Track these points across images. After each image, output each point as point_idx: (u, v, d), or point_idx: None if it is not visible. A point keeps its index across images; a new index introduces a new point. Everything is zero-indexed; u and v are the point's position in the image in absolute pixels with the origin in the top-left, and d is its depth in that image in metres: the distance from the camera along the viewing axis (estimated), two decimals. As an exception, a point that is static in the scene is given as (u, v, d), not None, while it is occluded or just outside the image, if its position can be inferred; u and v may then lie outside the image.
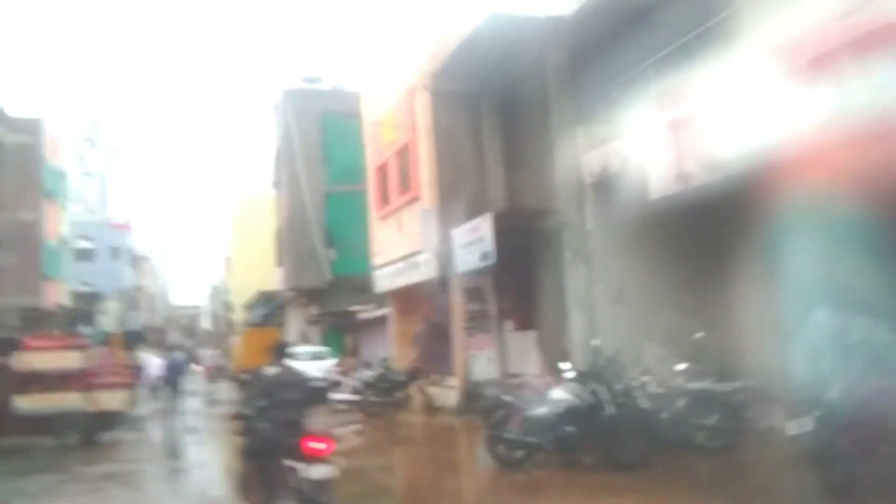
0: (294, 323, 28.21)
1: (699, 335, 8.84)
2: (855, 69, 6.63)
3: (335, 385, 16.26)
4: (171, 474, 10.10)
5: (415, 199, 16.03)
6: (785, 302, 9.53)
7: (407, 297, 17.94)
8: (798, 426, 5.89)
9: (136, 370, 18.49)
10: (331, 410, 15.42)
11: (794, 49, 7.34)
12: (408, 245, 16.27)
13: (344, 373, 17.03)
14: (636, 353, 8.90)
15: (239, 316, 40.31)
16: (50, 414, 11.82)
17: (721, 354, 8.70)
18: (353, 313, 23.62)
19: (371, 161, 19.24)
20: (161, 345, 38.98)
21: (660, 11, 9.84)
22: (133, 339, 31.28)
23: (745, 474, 7.37)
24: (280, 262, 29.35)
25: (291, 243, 26.65)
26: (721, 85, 8.44)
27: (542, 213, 11.90)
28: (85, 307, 30.03)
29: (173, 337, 53.62)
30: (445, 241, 14.17)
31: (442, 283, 15.01)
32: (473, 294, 14.32)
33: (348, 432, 13.38)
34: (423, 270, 15.41)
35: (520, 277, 13.99)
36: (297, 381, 5.83)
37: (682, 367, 8.37)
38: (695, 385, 8.17)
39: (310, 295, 26.66)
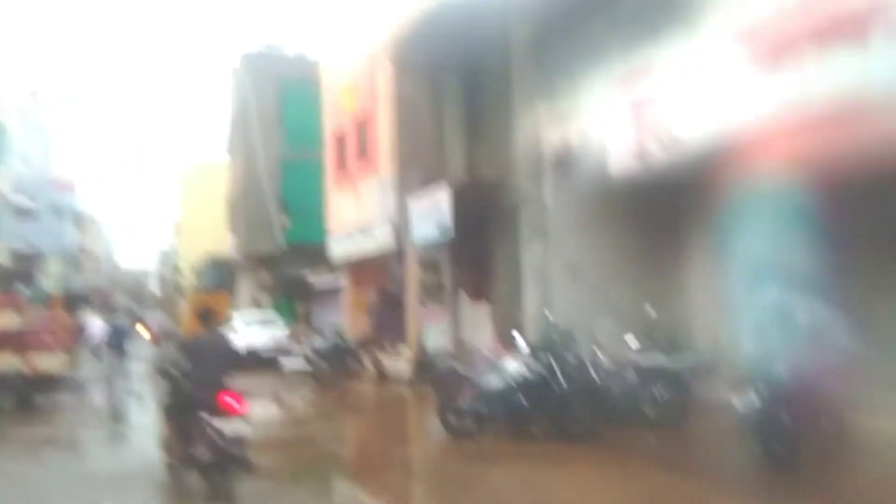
0: (245, 289, 27.73)
1: (651, 311, 8.97)
2: (814, 56, 6.72)
3: (286, 352, 16.09)
4: (111, 439, 9.85)
5: (373, 169, 15.80)
6: (734, 280, 9.75)
7: (362, 267, 17.78)
8: (743, 400, 6.05)
9: (78, 332, 17.91)
10: (280, 378, 15.30)
11: (755, 34, 7.40)
12: (364, 214, 16.07)
13: (295, 340, 16.85)
14: (589, 328, 8.99)
15: (188, 280, 39.45)
16: (-17, 375, 11.36)
17: (672, 330, 8.86)
18: (306, 281, 23.34)
19: (329, 129, 18.86)
20: (106, 308, 37.91)
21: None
22: (75, 300, 30.32)
23: (690, 447, 7.58)
24: (233, 227, 28.74)
25: (245, 209, 26.09)
26: (683, 66, 8.48)
27: (500, 186, 11.86)
28: (24, 267, 28.91)
29: (120, 300, 52.21)
30: (402, 211, 14.03)
31: (397, 254, 14.90)
32: (429, 265, 14.27)
33: (298, 400, 13.27)
34: (379, 240, 15.26)
35: (476, 250, 13.98)
36: (219, 345, 6.28)
37: (633, 341, 8.49)
38: (645, 359, 8.31)
39: (262, 261, 26.22)
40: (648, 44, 9.20)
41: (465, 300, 14.29)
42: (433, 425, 8.66)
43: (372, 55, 15.54)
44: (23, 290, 21.72)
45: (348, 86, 17.21)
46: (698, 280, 10.89)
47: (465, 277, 14.44)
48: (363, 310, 17.03)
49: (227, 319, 20.31)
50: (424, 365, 13.05)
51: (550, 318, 9.10)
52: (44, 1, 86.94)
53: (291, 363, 15.51)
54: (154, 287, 64.81)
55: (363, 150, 16.42)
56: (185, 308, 28.66)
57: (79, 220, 45.74)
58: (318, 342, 15.51)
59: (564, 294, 10.37)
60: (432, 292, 14.24)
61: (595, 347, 8.55)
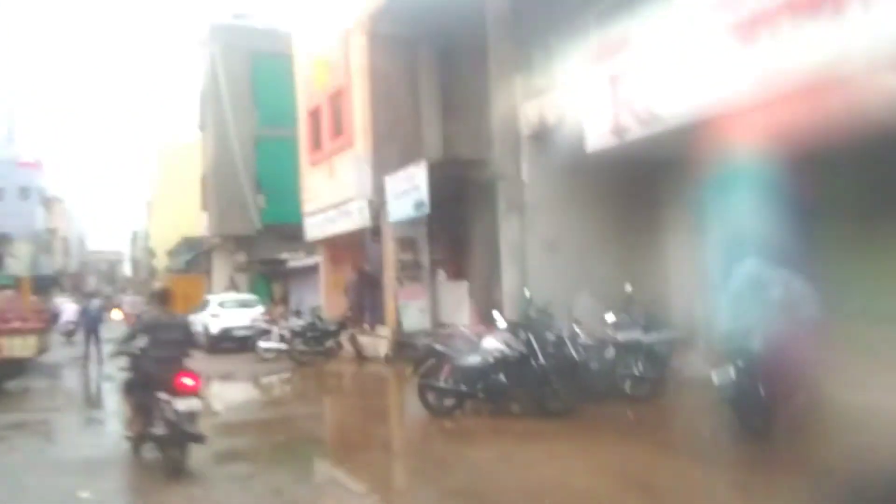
0: (221, 270, 27.38)
1: (629, 286, 9.00)
2: (791, 27, 6.68)
3: (263, 333, 15.93)
4: (84, 423, 9.68)
5: (348, 146, 15.58)
6: (711, 255, 9.81)
7: (338, 246, 17.63)
8: (721, 375, 6.09)
9: (48, 316, 17.59)
10: (258, 359, 15.17)
11: (733, 5, 7.34)
12: (340, 192, 15.88)
13: (272, 321, 16.68)
14: (567, 304, 9.00)
15: (162, 262, 38.89)
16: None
17: (650, 305, 8.90)
18: (282, 261, 23.11)
19: (303, 105, 18.53)
20: (78, 290, 37.25)
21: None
22: (45, 283, 29.74)
23: (668, 421, 7.65)
24: (206, 207, 28.28)
25: (218, 188, 25.66)
26: (660, 39, 8.40)
27: (477, 162, 11.76)
28: (-9, 250, 28.24)
29: (91, 283, 51.40)
30: (379, 189, 13.88)
31: (374, 232, 14.77)
32: (406, 243, 14.17)
33: (276, 381, 13.18)
34: (356, 218, 15.11)
35: (454, 227, 13.92)
36: (176, 324, 6.63)
37: (611, 317, 8.51)
38: (623, 335, 8.34)
39: (238, 242, 25.89)
40: (625, 16, 9.10)
41: (443, 278, 14.25)
42: (412, 404, 8.63)
43: (346, 28, 15.23)
44: (-10, 274, 21.23)
45: (322, 60, 16.88)
46: (676, 255, 10.95)
47: (442, 255, 14.39)
48: (340, 289, 16.91)
49: (203, 301, 20.07)
50: (403, 344, 13.01)
51: (529, 294, 9.08)
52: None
53: (269, 344, 15.36)
54: (127, 269, 63.92)
55: (338, 127, 16.17)
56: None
57: (47, 202, 44.76)
58: (296, 323, 15.39)
59: (542, 270, 10.35)
60: (410, 270, 14.15)
61: (573, 323, 8.56)
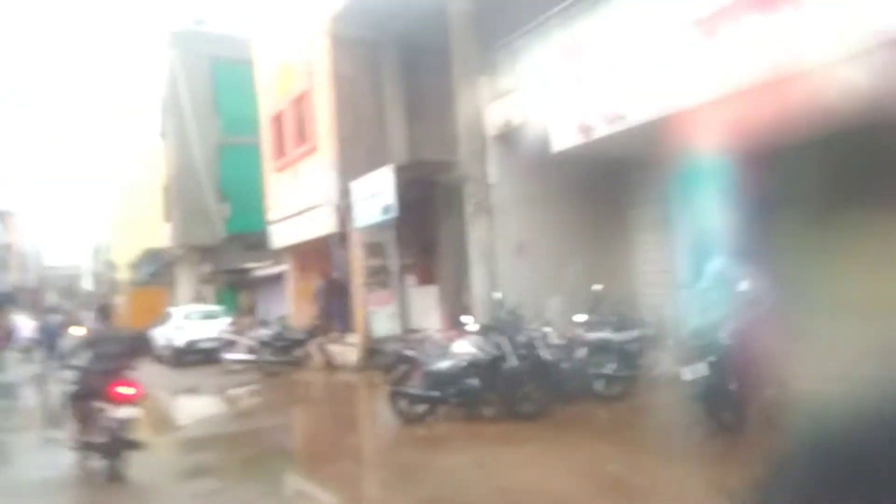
0: (185, 282, 26.83)
1: (598, 286, 8.98)
2: (751, 23, 6.72)
3: (230, 344, 15.61)
4: (41, 443, 9.31)
5: (313, 151, 15.36)
6: (679, 253, 9.87)
7: (305, 253, 17.37)
8: (691, 372, 6.08)
9: (5, 333, 17.01)
10: (225, 371, 14.83)
11: (694, 1, 7.37)
12: (305, 198, 15.64)
13: (239, 332, 16.35)
14: (537, 305, 8.94)
15: (124, 275, 37.97)
16: None
17: (620, 304, 8.89)
18: (248, 270, 22.73)
19: (265, 111, 18.24)
20: (36, 307, 36.18)
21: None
22: (2, 300, 28.79)
23: (641, 420, 7.62)
24: (168, 217, 27.71)
25: (181, 198, 25.14)
26: (623, 37, 8.42)
27: (444, 165, 11.67)
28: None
29: (50, 298, 50.03)
30: (345, 194, 13.70)
31: (341, 238, 14.57)
32: (374, 249, 14.00)
33: (244, 393, 12.89)
34: (322, 225, 14.89)
35: (421, 231, 13.80)
36: (118, 337, 6.99)
37: (581, 317, 8.48)
38: (594, 335, 8.31)
39: (202, 252, 25.39)
40: (588, 15, 9.11)
41: (412, 283, 14.11)
42: (383, 412, 8.48)
43: (308, 32, 15.03)
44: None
45: (284, 65, 16.64)
46: (645, 253, 10.99)
47: (411, 259, 14.26)
48: (308, 297, 16.65)
49: (165, 315, 19.63)
50: (373, 351, 12.84)
51: (498, 297, 9.01)
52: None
53: (236, 356, 15.04)
54: (87, 284, 62.34)
55: (302, 132, 15.94)
56: (121, 304, 27.58)
57: (1, 217, 43.45)
58: (263, 332, 15.09)
59: (512, 272, 10.28)
60: (378, 276, 13.99)
61: (544, 325, 8.51)
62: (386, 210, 12.17)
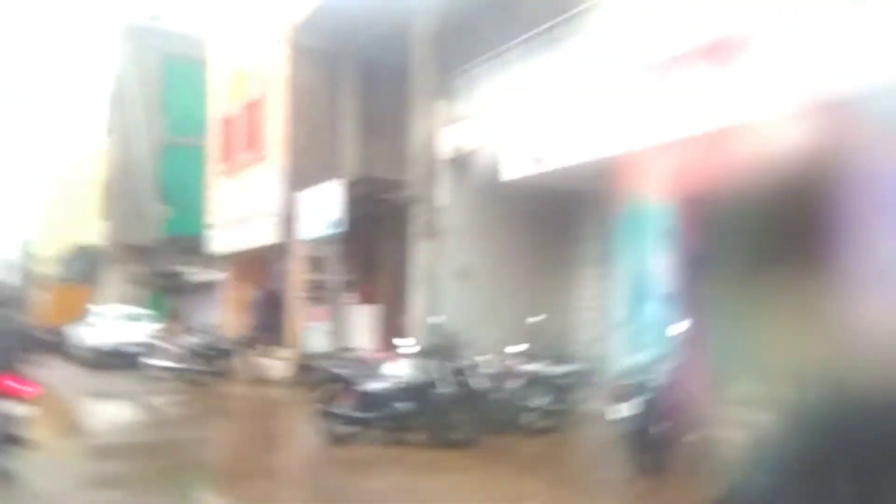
0: (115, 281, 25.77)
1: (537, 318, 9.00)
2: (703, 76, 6.94)
3: (154, 350, 14.98)
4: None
5: (261, 158, 15.07)
6: (617, 292, 10.00)
7: (244, 262, 16.93)
8: (619, 411, 6.11)
9: None
10: (147, 377, 14.21)
11: (648, 45, 7.58)
12: (249, 206, 15.29)
13: (166, 337, 15.73)
14: (475, 333, 8.89)
15: (50, 270, 36.28)
16: None
17: (556, 338, 8.93)
18: (181, 275, 22.02)
19: (215, 113, 17.84)
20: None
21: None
22: None
23: (567, 456, 7.61)
24: (106, 214, 26.68)
25: (121, 195, 24.28)
26: (578, 74, 8.58)
27: (394, 184, 11.59)
28: None
29: (-33, 288, 47.26)
30: (291, 204, 13.45)
31: (283, 249, 14.27)
32: (315, 263, 13.75)
33: (164, 401, 12.36)
34: (264, 234, 14.57)
35: (365, 249, 13.64)
36: (5, 331, 6.71)
37: (517, 348, 8.47)
38: (528, 367, 8.30)
39: (136, 253, 24.46)
40: (547, 47, 9.27)
41: (351, 300, 13.89)
42: (310, 430, 8.23)
43: (267, 37, 14.83)
44: None
45: (239, 68, 16.35)
46: (585, 289, 11.11)
47: (352, 277, 14.05)
48: (243, 307, 16.19)
49: (86, 313, 18.77)
50: (305, 367, 12.51)
51: (437, 321, 8.93)
52: None
53: (160, 362, 14.42)
54: (8, 276, 59.23)
55: (252, 138, 15.63)
56: (44, 298, 26.26)
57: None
58: (191, 340, 14.54)
59: (452, 297, 10.24)
60: (318, 291, 13.72)
61: (479, 353, 8.46)
62: (332, 224, 11.99)
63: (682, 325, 5.14)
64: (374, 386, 7.77)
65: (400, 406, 7.64)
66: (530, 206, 10.22)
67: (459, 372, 7.78)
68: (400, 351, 8.34)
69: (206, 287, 19.88)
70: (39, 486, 6.21)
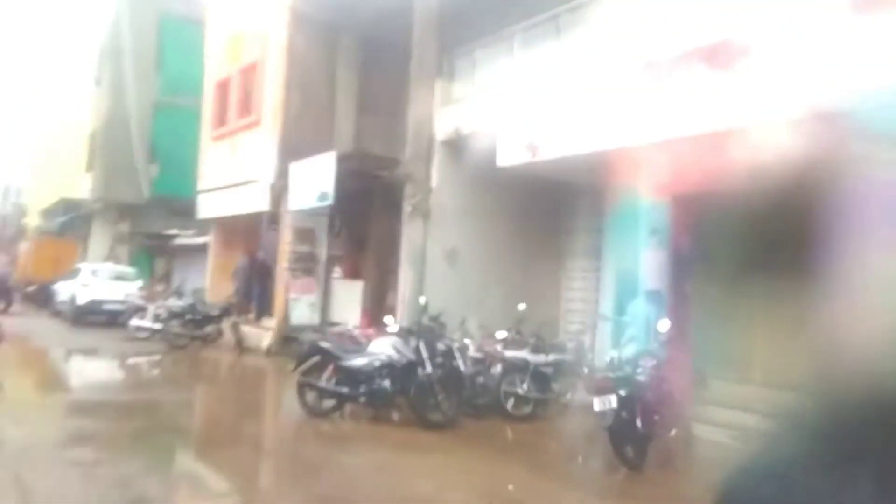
0: (100, 238, 25.49)
1: (522, 305, 9.02)
2: (702, 78, 6.89)
3: (138, 310, 14.88)
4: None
5: (255, 124, 14.89)
6: (605, 285, 10.05)
7: (232, 228, 16.81)
8: (601, 403, 6.15)
9: None
10: (129, 337, 14.15)
11: (651, 46, 7.51)
12: (241, 172, 15.14)
13: (149, 298, 15.64)
14: (461, 315, 8.91)
15: (35, 222, 35.82)
16: None
17: (541, 326, 8.96)
18: (169, 237, 21.84)
19: (211, 75, 17.56)
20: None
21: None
22: None
23: (546, 444, 7.66)
24: (90, 167, 26.30)
25: (107, 149, 23.90)
26: (579, 65, 8.51)
27: (388, 161, 11.51)
28: None
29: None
30: (283, 174, 13.33)
31: (272, 218, 14.18)
32: (304, 234, 13.67)
33: (145, 362, 12.32)
34: (254, 201, 14.45)
35: (355, 225, 13.59)
36: None
37: (502, 334, 8.49)
38: (511, 354, 8.32)
39: (122, 210, 24.19)
40: (550, 36, 9.18)
41: (338, 274, 13.85)
42: (290, 402, 8.23)
43: (268, 2, 14.57)
44: None
45: (238, 31, 16.08)
46: (573, 280, 11.15)
47: (340, 251, 14.00)
48: (228, 273, 16.09)
49: (74, 269, 18.59)
50: (288, 338, 12.51)
51: (424, 301, 8.93)
52: None
53: (142, 322, 14.34)
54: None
55: (247, 104, 15.42)
56: (27, 251, 25.95)
57: None
58: (175, 303, 14.46)
59: (440, 279, 10.23)
60: (305, 263, 13.66)
61: (464, 336, 8.48)
62: (322, 197, 11.90)
63: (668, 322, 5.20)
64: (356, 362, 7.76)
65: (382, 383, 7.65)
66: (523, 194, 10.20)
67: (443, 353, 7.79)
68: (385, 328, 8.33)
69: (194, 251, 19.74)
70: (14, 439, 6.18)
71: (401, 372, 7.66)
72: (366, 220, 13.24)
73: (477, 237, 10.68)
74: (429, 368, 7.57)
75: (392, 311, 9.74)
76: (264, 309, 14.53)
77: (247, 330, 14.07)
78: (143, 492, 5.18)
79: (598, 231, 10.38)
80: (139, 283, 17.81)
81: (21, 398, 9.00)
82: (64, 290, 18.02)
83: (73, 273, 18.18)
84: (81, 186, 27.47)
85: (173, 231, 21.65)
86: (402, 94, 11.41)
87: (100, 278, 17.58)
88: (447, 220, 10.53)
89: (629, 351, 6.90)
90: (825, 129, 5.61)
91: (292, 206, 13.09)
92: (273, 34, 14.28)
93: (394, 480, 5.85)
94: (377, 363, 7.71)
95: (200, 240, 19.05)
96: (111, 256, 23.11)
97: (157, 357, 12.69)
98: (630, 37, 7.76)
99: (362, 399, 7.72)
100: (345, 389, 7.71)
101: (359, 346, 8.23)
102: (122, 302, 16.18)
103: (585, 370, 8.51)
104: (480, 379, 8.12)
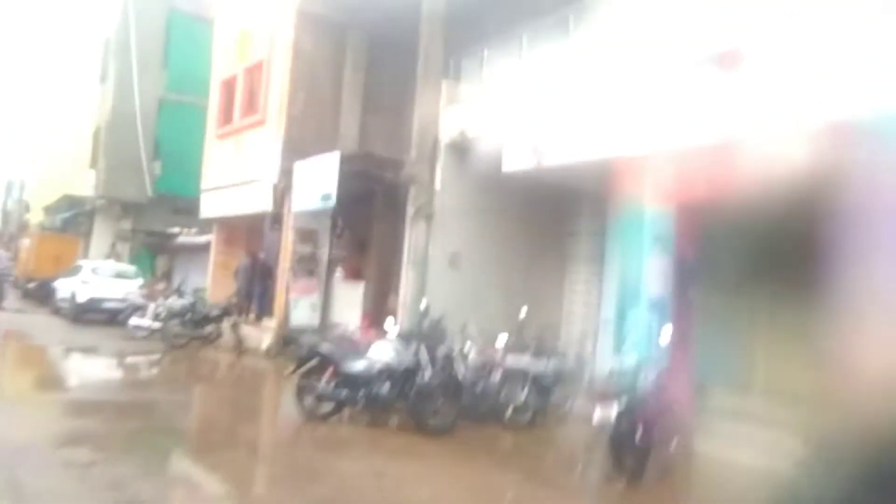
0: (102, 235, 25.45)
1: (524, 312, 8.95)
2: (711, 86, 6.79)
3: (137, 308, 14.84)
4: None
5: (260, 123, 14.85)
6: (608, 292, 9.97)
7: (234, 227, 16.78)
8: (602, 412, 6.07)
9: None
10: (128, 336, 14.10)
11: (658, 53, 7.44)
12: (245, 171, 15.09)
13: (150, 297, 15.58)
14: (462, 320, 8.83)
15: (38, 218, 35.83)
16: None
17: (542, 333, 8.88)
18: (171, 235, 21.80)
19: (217, 74, 17.53)
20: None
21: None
22: None
23: (545, 452, 7.59)
24: (94, 164, 26.27)
25: (110, 146, 23.86)
26: (586, 71, 8.43)
27: (392, 162, 11.45)
28: None
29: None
30: (286, 174, 13.28)
31: (275, 218, 14.12)
32: (306, 235, 13.62)
33: (143, 361, 12.26)
34: (257, 201, 14.40)
35: (358, 226, 13.53)
36: None
37: (502, 340, 8.41)
38: (512, 360, 8.24)
39: (125, 208, 24.17)
40: (557, 39, 9.13)
41: (339, 276, 13.79)
42: (288, 404, 8.16)
43: (276, 1, 14.53)
44: None
45: (244, 30, 16.04)
46: (575, 287, 11.07)
47: (343, 253, 13.95)
48: (230, 273, 16.04)
49: (75, 266, 18.56)
50: (288, 339, 12.44)
51: (425, 305, 8.86)
52: None
53: (141, 321, 14.29)
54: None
55: (252, 102, 15.38)
56: (29, 247, 25.92)
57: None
58: (176, 302, 14.40)
59: (442, 282, 10.16)
60: (306, 264, 13.60)
61: (465, 341, 8.40)
62: (325, 198, 11.85)
63: (670, 330, 5.09)
64: (356, 365, 7.70)
65: (381, 388, 7.58)
66: (527, 197, 10.13)
67: (443, 359, 7.72)
68: (386, 332, 8.26)
69: (195, 250, 19.70)
70: (8, 440, 6.12)
71: (400, 377, 7.59)
72: (368, 221, 13.18)
73: (479, 240, 10.62)
74: (428, 374, 7.50)
75: (393, 314, 9.67)
76: (265, 309, 14.47)
77: (247, 330, 14.01)
78: (138, 494, 5.11)
79: (601, 236, 10.31)
80: (140, 281, 17.77)
81: (17, 396, 8.95)
82: (64, 288, 17.98)
83: (74, 270, 18.16)
84: (85, 183, 27.44)
85: (175, 229, 21.61)
86: (407, 95, 11.36)
87: (100, 276, 17.54)
88: (450, 223, 10.47)
89: (630, 359, 6.81)
90: (834, 140, 5.54)
91: (295, 207, 13.04)
92: (280, 33, 14.24)
93: (391, 486, 5.78)
94: (376, 367, 7.65)
95: (202, 239, 19.01)
96: (112, 254, 23.08)
97: (155, 356, 12.63)
98: (638, 43, 7.69)
99: (361, 403, 7.65)
100: (344, 393, 7.64)
101: (359, 349, 8.16)
102: (122, 300, 16.14)
103: (586, 378, 8.43)
104: (480, 386, 8.04)
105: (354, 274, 13.55)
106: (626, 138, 7.61)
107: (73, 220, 28.63)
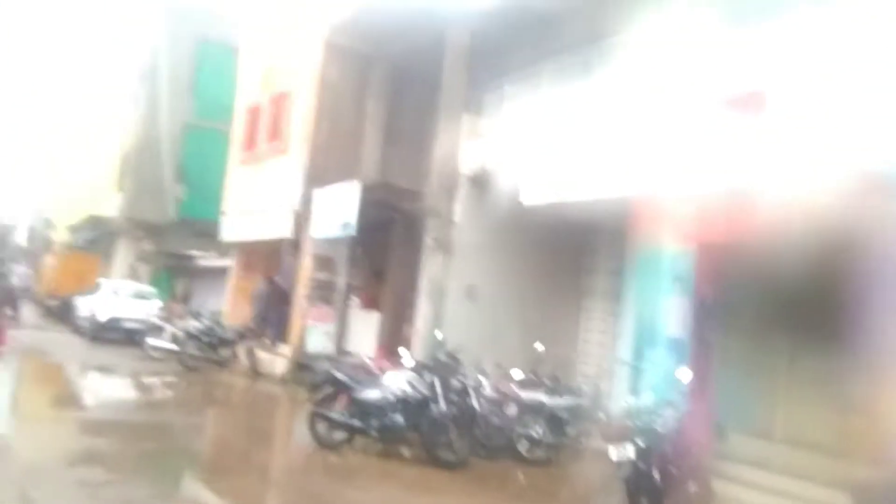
0: (123, 256, 25.82)
1: (540, 346, 8.90)
2: (736, 128, 6.81)
3: (155, 329, 14.94)
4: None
5: (282, 151, 15.07)
6: (625, 329, 9.88)
7: (254, 252, 16.93)
8: (618, 451, 5.99)
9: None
10: (144, 357, 14.18)
11: (681, 92, 7.48)
12: (266, 198, 15.29)
13: (167, 318, 15.69)
14: (477, 353, 8.79)
15: (62, 236, 36.42)
16: None
17: (558, 368, 8.82)
18: (191, 258, 22.03)
19: (243, 101, 17.88)
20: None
21: (566, 20, 9.80)
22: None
23: (559, 489, 7.48)
24: (121, 186, 26.75)
25: (137, 169, 24.32)
26: (606, 107, 8.50)
27: (412, 193, 11.55)
28: None
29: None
30: (307, 201, 13.42)
31: (294, 245, 14.24)
32: (324, 262, 13.70)
33: (159, 383, 12.31)
34: (277, 227, 14.54)
35: (376, 255, 13.58)
36: None
37: (518, 375, 8.36)
38: (527, 395, 8.17)
39: (148, 229, 24.53)
40: (578, 76, 9.22)
41: (355, 305, 13.83)
42: (300, 431, 8.14)
43: (303, 33, 14.85)
44: None
45: (271, 59, 16.38)
46: (592, 323, 11.00)
47: (360, 281, 14.00)
48: (247, 297, 16.15)
49: (96, 285, 18.80)
50: (303, 366, 12.45)
51: (440, 337, 8.85)
52: None
53: (159, 342, 14.37)
54: (21, 240, 59.49)
55: (275, 131, 15.64)
56: (51, 265, 26.34)
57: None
58: (193, 324, 14.48)
59: (458, 314, 10.14)
60: (323, 291, 13.67)
61: (480, 375, 8.35)
62: (345, 226, 11.95)
63: (689, 372, 5.04)
64: (370, 394, 7.68)
65: (394, 418, 7.54)
66: (546, 233, 10.14)
67: (458, 391, 7.68)
68: (401, 362, 8.25)
69: (215, 273, 19.88)
70: (21, 457, 6.16)
71: (414, 407, 7.55)
72: (386, 251, 13.25)
73: (496, 274, 10.62)
74: (443, 406, 7.46)
75: (408, 344, 9.65)
76: (280, 335, 14.51)
77: (262, 355, 14.05)
78: (148, 517, 5.11)
79: (618, 273, 10.26)
80: (159, 302, 17.93)
81: (33, 414, 9.02)
82: (85, 306, 18.18)
83: (95, 289, 18.38)
84: (109, 204, 27.91)
85: (196, 252, 21.84)
86: (429, 127, 11.48)
87: (120, 296, 17.74)
88: (468, 256, 10.48)
89: (648, 399, 6.73)
90: (862, 189, 5.50)
91: (314, 234, 13.16)
92: (305, 64, 14.52)
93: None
94: (390, 397, 7.62)
95: (222, 262, 19.19)
96: (132, 275, 23.36)
97: (171, 378, 12.68)
98: (660, 83, 7.75)
99: (374, 433, 7.61)
100: (357, 422, 7.61)
101: (373, 378, 8.15)
102: (140, 320, 16.28)
103: (601, 416, 8.33)
104: (494, 419, 7.97)
105: (370, 303, 13.57)
106: (647, 177, 7.63)
107: (96, 240, 29.07)
